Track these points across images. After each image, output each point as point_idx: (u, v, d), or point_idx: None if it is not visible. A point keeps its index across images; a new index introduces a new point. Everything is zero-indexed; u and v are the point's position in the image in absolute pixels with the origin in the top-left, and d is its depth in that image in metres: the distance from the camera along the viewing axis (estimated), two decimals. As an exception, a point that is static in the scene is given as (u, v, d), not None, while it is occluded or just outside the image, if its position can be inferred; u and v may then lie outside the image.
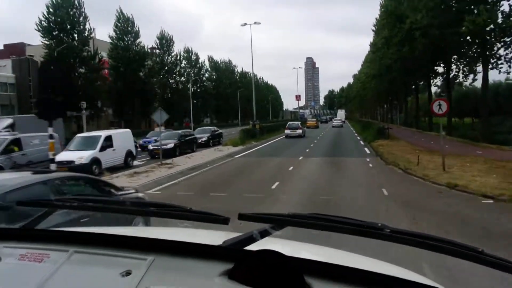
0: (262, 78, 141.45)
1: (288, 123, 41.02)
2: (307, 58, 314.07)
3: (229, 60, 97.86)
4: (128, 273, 1.00)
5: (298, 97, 61.73)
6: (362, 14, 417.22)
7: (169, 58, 66.08)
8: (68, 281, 1.01)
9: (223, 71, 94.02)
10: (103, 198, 1.64)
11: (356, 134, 38.45)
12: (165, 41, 65.32)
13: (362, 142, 27.87)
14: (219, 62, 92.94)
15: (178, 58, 67.41)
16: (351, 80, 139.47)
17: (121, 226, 1.82)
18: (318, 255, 1.47)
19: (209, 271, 0.99)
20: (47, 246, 1.16)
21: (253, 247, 1.07)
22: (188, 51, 76.73)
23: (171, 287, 0.95)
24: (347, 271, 1.00)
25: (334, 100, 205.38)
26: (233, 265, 0.99)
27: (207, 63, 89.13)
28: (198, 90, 77.21)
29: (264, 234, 1.14)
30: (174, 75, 65.56)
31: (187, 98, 64.58)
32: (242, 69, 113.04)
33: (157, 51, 65.14)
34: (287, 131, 35.92)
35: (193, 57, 77.17)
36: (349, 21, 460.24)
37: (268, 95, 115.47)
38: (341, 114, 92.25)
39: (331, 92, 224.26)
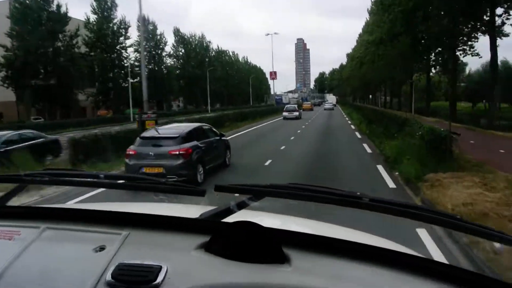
0: (246, 58, 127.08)
1: (286, 106, 44.51)
2: (298, 39, 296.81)
3: (202, 34, 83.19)
4: (101, 248, 0.99)
5: (273, 75, 47.97)
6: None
7: (109, 26, 51.14)
8: (39, 258, 0.99)
9: (194, 48, 79.53)
10: (75, 172, 1.43)
11: (358, 136, 19.93)
12: (103, 4, 50.31)
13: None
14: (187, 36, 78.11)
15: (120, 27, 52.16)
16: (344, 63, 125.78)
17: (97, 202, 1.75)
18: (296, 226, 1.44)
19: (185, 245, 0.98)
20: (18, 223, 1.13)
21: (230, 219, 1.05)
22: (143, 20, 62.05)
23: (146, 261, 0.92)
24: (326, 242, 1.00)
25: (324, 83, 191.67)
26: (209, 237, 0.98)
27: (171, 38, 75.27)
28: (156, 68, 62.87)
29: (241, 205, 1.11)
30: (116, 49, 50.75)
31: (136, 78, 50.92)
32: (218, 46, 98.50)
33: (93, 16, 50.35)
34: (284, 113, 37.90)
35: (150, 26, 62.58)
36: (342, 4, 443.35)
37: (248, 76, 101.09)
38: (332, 98, 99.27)
39: (321, 75, 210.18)
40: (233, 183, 1.15)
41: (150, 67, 63.27)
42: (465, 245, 4.65)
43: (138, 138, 9.64)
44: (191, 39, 79.48)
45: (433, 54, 29.85)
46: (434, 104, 58.43)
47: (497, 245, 1.07)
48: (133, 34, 65.95)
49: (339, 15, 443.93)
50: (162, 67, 64.36)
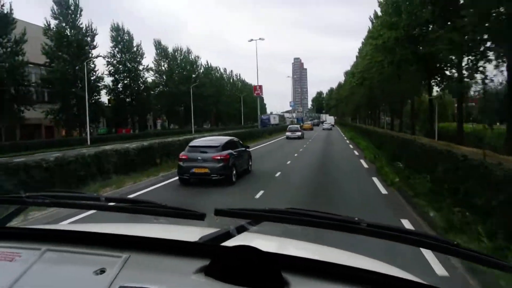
0: (239, 75, 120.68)
1: (289, 126, 46.78)
2: (295, 58, 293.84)
3: (187, 48, 76.51)
4: (102, 271, 0.99)
5: (257, 89, 41.21)
6: (354, 17, 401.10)
7: (73, 34, 43.98)
8: (40, 280, 0.99)
9: (179, 63, 72.75)
10: (76, 194, 1.44)
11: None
12: (65, 7, 43.30)
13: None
14: (172, 49, 71.31)
15: (86, 34, 45.02)
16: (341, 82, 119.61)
17: (97, 223, 1.75)
18: (295, 251, 1.46)
19: (185, 268, 0.99)
20: (19, 245, 1.14)
21: (230, 243, 1.06)
22: (116, 29, 55.29)
23: (146, 284, 0.92)
24: (324, 266, 1.01)
25: (322, 103, 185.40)
26: (209, 261, 0.99)
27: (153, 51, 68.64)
28: (131, 84, 55.79)
29: (240, 229, 1.13)
30: (84, 60, 43.56)
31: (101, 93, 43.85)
32: (208, 62, 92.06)
33: (54, 22, 43.28)
34: (287, 133, 39.37)
35: (125, 36, 55.72)
36: (340, 25, 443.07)
37: (240, 94, 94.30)
38: (330, 118, 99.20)
39: (319, 94, 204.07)
40: (236, 207, 1.14)
41: (125, 82, 56.31)
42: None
43: (188, 146, 12.39)
44: (176, 53, 72.77)
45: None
46: (442, 126, 51.81)
47: None
48: (106, 45, 59.40)
49: (336, 35, 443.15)
50: (139, 82, 57.06)
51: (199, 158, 11.40)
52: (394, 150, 14.69)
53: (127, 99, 56.51)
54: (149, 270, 1.00)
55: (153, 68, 67.06)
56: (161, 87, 67.29)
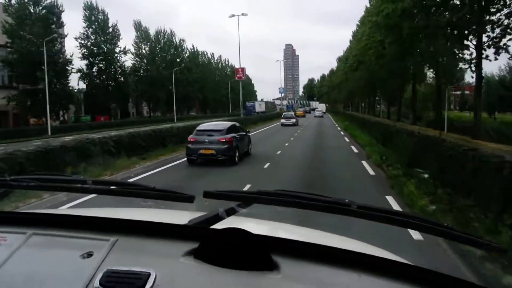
0: (227, 60, 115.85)
1: (284, 113, 46.77)
2: (287, 44, 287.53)
3: (171, 31, 71.70)
4: (89, 254, 0.98)
5: (240, 72, 36.60)
6: (347, 6, 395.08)
7: (36, 9, 39.33)
8: (26, 264, 0.98)
9: (162, 46, 68.09)
10: (62, 178, 1.41)
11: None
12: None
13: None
14: (151, 31, 66.50)
15: (52, 9, 40.35)
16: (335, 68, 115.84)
17: (85, 208, 1.69)
18: (285, 233, 1.44)
19: (174, 251, 0.98)
20: (4, 229, 1.12)
21: (219, 225, 1.06)
22: (90, 8, 50.55)
23: (134, 268, 0.91)
24: (314, 249, 1.01)
25: (314, 90, 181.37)
26: (198, 244, 0.98)
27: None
28: (108, 68, 51.39)
29: (230, 212, 1.12)
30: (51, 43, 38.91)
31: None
32: (194, 46, 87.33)
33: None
34: (282, 120, 39.94)
35: (100, 16, 51.02)
36: (331, 11, 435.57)
37: (228, 80, 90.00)
38: (321, 106, 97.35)
39: (311, 81, 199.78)
40: (227, 189, 1.13)
41: (100, 65, 51.81)
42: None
43: (195, 130, 13.48)
44: (159, 36, 68.03)
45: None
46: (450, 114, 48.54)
47: None
48: (78, 25, 54.40)
49: (329, 23, 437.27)
50: (116, 66, 52.59)
51: (206, 140, 12.55)
52: (411, 151, 10.38)
53: (103, 84, 52.06)
54: (137, 253, 0.99)
55: (133, 51, 62.48)
56: (142, 71, 62.64)
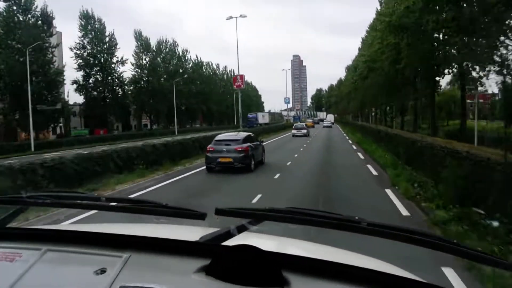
0: (233, 71, 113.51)
1: (295, 124, 47.43)
2: (294, 55, 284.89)
3: (174, 41, 69.46)
4: (103, 271, 0.99)
5: (238, 80, 33.12)
6: (352, 15, 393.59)
7: (25, 17, 37.08)
8: (41, 280, 1.00)
9: (164, 56, 65.82)
10: (76, 195, 1.49)
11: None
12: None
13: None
14: (152, 42, 64.24)
15: (40, 19, 38.09)
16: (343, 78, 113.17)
17: (98, 223, 1.76)
18: (296, 250, 1.46)
19: (186, 267, 0.99)
20: (19, 245, 1.15)
21: (231, 242, 1.06)
22: (86, 17, 48.41)
23: (147, 284, 0.93)
24: (325, 265, 1.01)
25: (322, 100, 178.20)
26: (210, 261, 0.99)
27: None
28: (104, 79, 49.06)
29: (241, 229, 1.13)
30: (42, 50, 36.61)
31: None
32: (197, 56, 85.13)
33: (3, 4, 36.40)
34: (293, 131, 39.76)
35: (96, 25, 48.83)
36: (338, 22, 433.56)
37: (232, 92, 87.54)
38: (330, 117, 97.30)
39: (319, 91, 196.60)
40: (236, 206, 1.13)
41: (97, 76, 49.46)
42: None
43: (214, 140, 14.28)
44: (161, 46, 65.80)
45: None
46: (454, 123, 44.93)
47: None
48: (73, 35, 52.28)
49: (337, 33, 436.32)
50: (113, 77, 50.19)
51: (224, 149, 13.31)
52: (461, 180, 7.01)
53: (100, 96, 49.67)
54: (150, 270, 1.00)
55: (133, 62, 60.22)
56: (142, 83, 60.23)
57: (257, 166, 14.30)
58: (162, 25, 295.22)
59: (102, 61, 48.77)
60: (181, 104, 65.79)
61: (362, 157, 18.65)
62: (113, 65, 49.89)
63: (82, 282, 0.96)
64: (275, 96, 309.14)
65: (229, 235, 1.11)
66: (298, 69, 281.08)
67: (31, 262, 1.03)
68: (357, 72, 55.32)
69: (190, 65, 77.74)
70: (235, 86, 31.88)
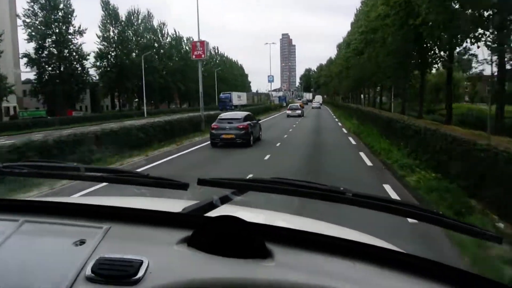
0: (217, 48, 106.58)
1: (289, 105, 49.42)
2: (283, 34, 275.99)
3: (149, 13, 62.56)
4: (82, 242, 0.98)
5: (197, 48, 27.43)
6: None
7: None
8: (18, 251, 0.99)
9: (135, 29, 59.09)
10: (55, 165, 1.39)
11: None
12: None
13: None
14: (125, 12, 57.30)
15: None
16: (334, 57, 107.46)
17: (78, 196, 2.02)
18: (279, 221, 1.46)
19: (168, 239, 0.98)
20: None
21: (213, 213, 1.05)
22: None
23: (127, 255, 0.91)
24: (308, 236, 1.01)
25: (311, 81, 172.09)
26: (192, 232, 0.98)
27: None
28: (60, 53, 42.39)
29: (224, 200, 1.13)
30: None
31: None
32: (176, 30, 78.47)
33: None
34: (288, 112, 40.58)
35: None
36: (330, 2, 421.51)
37: (215, 69, 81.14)
38: (318, 98, 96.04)
39: (308, 71, 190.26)
40: (223, 177, 1.12)
41: (51, 49, 42.76)
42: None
43: (218, 118, 16.02)
44: (132, 17, 58.96)
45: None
46: (457, 106, 39.69)
47: None
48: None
49: (326, 12, 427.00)
50: (68, 50, 43.48)
51: (226, 127, 15.12)
52: None
53: (56, 72, 43.12)
54: (130, 241, 0.98)
55: (99, 34, 53.48)
56: (110, 58, 53.66)
57: (255, 142, 15.99)
58: (148, 5, 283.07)
59: (57, 31, 41.99)
60: (155, 82, 59.41)
61: (377, 172, 9.99)
62: (70, 36, 43.00)
63: (61, 253, 0.95)
64: (263, 77, 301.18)
65: (212, 206, 1.10)
66: (287, 48, 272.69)
67: (7, 233, 1.01)
68: (350, 48, 49.49)
69: (168, 40, 71.09)
70: (193, 56, 24.38)
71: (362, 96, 60.53)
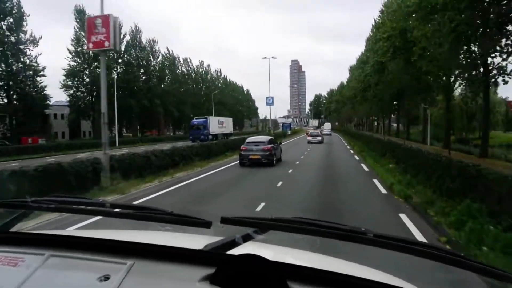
0: (219, 71, 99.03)
1: (310, 132, 47.78)
2: (293, 60, 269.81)
3: (136, 27, 55.15)
4: (106, 277, 0.98)
5: (96, 26, 20.03)
6: (352, 22, 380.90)
7: None
8: (43, 285, 0.99)
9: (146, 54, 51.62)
10: (81, 200, 1.46)
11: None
12: None
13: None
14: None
15: None
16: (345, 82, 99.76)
17: (102, 230, 1.72)
18: (301, 260, 1.42)
19: (190, 276, 0.99)
20: (22, 250, 1.14)
21: (235, 251, 1.06)
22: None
23: None
24: (329, 276, 1.01)
25: (321, 107, 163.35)
26: (214, 269, 0.99)
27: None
28: (9, 67, 34.35)
29: (246, 238, 1.12)
30: None
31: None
32: (169, 50, 71.20)
33: None
34: (309, 138, 41.70)
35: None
36: (338, 30, 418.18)
37: (212, 92, 73.18)
38: (327, 125, 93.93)
39: (318, 97, 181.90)
40: (240, 215, 1.14)
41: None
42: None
43: (246, 142, 18.98)
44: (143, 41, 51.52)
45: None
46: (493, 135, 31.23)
47: None
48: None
49: (337, 40, 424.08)
50: (18, 64, 35.41)
51: (253, 149, 17.84)
52: None
53: (5, 90, 34.91)
54: (154, 278, 0.99)
55: (72, 49, 45.79)
56: (82, 75, 45.70)
57: (277, 162, 18.67)
58: (161, 28, 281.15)
59: (5, 40, 34.01)
60: (138, 105, 51.21)
61: None
62: (21, 47, 34.98)
63: None
64: (275, 104, 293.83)
65: (234, 244, 1.09)
66: (296, 74, 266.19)
67: (34, 267, 1.02)
68: (368, 65, 40.72)
69: (159, 59, 63.44)
70: (90, 45, 14.17)
71: (383, 122, 51.44)
